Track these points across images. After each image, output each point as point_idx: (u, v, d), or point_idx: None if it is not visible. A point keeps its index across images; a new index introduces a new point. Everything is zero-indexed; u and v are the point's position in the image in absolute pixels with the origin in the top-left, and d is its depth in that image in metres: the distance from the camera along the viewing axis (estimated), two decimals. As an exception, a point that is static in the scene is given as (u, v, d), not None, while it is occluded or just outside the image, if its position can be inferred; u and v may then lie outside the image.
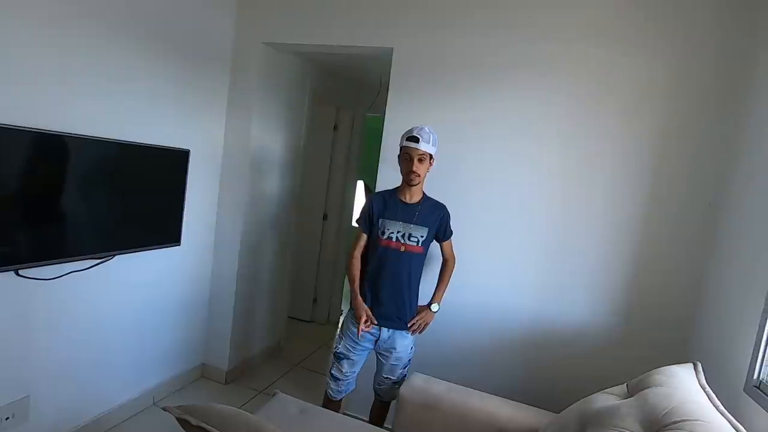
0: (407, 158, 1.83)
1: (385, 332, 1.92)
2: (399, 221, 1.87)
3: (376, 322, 1.90)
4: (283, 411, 1.70)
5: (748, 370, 1.42)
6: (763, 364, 1.38)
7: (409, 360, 2.00)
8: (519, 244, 2.14)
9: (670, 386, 1.26)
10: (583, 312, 2.07)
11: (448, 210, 1.96)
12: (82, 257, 1.86)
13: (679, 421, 1.08)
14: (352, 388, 2.03)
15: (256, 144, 2.67)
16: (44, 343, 1.84)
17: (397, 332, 1.93)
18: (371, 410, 2.11)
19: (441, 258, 2.03)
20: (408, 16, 2.24)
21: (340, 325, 2.04)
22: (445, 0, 2.19)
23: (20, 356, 1.77)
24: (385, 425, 2.06)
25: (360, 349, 1.95)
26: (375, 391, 2.07)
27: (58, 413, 1.95)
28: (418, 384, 1.82)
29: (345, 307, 3.66)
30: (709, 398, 1.24)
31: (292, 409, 1.72)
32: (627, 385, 1.42)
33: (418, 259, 1.92)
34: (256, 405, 2.48)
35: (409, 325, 1.93)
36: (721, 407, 1.19)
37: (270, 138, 2.82)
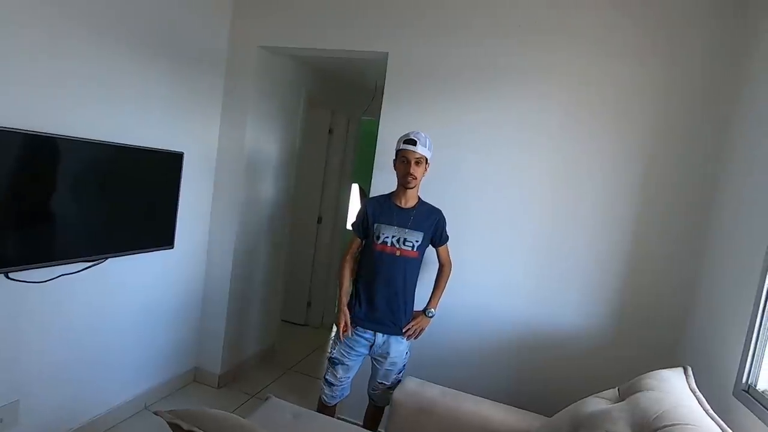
0: (404, 161, 1.84)
1: (380, 337, 1.92)
2: (394, 226, 1.88)
3: (350, 334, 1.91)
4: (276, 415, 1.69)
5: (738, 374, 1.44)
6: (752, 368, 1.40)
7: (404, 365, 2.00)
8: (511, 247, 2.16)
9: (660, 390, 1.27)
10: (575, 314, 2.08)
11: (444, 215, 1.97)
12: (74, 260, 1.84)
13: (669, 425, 1.09)
14: (346, 394, 2.03)
15: (250, 146, 2.67)
16: (34, 347, 1.82)
17: (392, 337, 1.93)
18: (365, 415, 2.10)
19: (437, 263, 2.04)
20: (403, 21, 2.26)
21: (335, 329, 2.03)
22: (441, 7, 2.21)
23: (10, 359, 1.75)
24: (378, 429, 2.05)
25: (355, 355, 1.95)
26: (369, 396, 2.07)
27: (48, 417, 1.93)
28: (412, 388, 1.82)
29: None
30: (699, 402, 1.25)
31: (285, 413, 1.72)
32: (618, 389, 1.43)
33: (414, 264, 1.92)
34: (248, 409, 2.46)
35: (404, 331, 1.93)
36: (711, 411, 1.21)
37: (265, 141, 2.81)
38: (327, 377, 1.99)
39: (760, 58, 1.69)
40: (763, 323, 1.40)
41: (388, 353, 1.93)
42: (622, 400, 1.33)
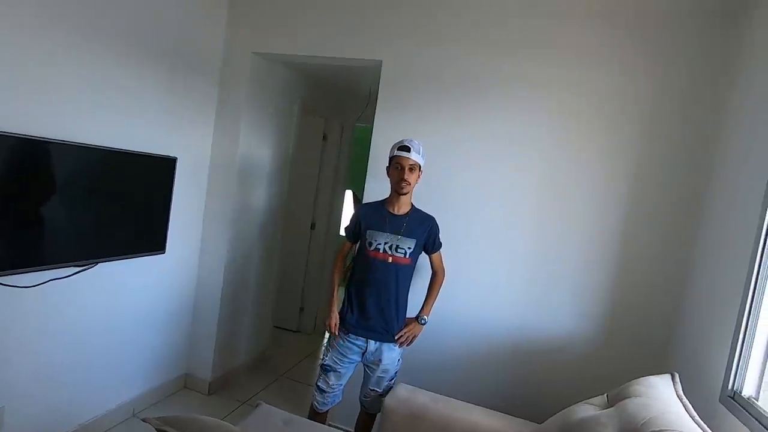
0: (398, 167, 1.86)
1: (372, 344, 1.92)
2: (386, 232, 1.89)
3: (336, 333, 1.93)
4: (267, 422, 1.69)
5: (723, 380, 1.46)
6: (738, 375, 1.42)
7: (396, 372, 2.00)
8: (501, 254, 2.18)
9: (648, 397, 1.29)
10: (565, 321, 2.10)
11: (437, 222, 1.98)
12: (63, 264, 1.83)
13: (657, 431, 1.10)
14: (338, 401, 2.02)
15: (244, 152, 2.67)
16: (22, 352, 1.80)
17: (384, 344, 1.93)
18: (357, 422, 2.10)
19: (431, 270, 2.04)
20: (398, 30, 2.29)
21: (327, 336, 2.03)
22: (435, 17, 2.24)
23: (-4, 366, 1.73)
24: (370, 436, 2.05)
25: (347, 362, 1.95)
26: (361, 403, 2.06)
27: (34, 424, 1.90)
28: (403, 394, 1.82)
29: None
30: (686, 409, 1.27)
31: (275, 420, 1.71)
32: (607, 395, 1.44)
33: (406, 271, 1.93)
34: (239, 416, 2.45)
35: (396, 338, 1.93)
36: (697, 418, 1.22)
37: (258, 147, 2.82)
38: (319, 384, 1.98)
39: (749, 63, 1.73)
40: (747, 330, 1.43)
41: (380, 360, 1.93)
42: (611, 407, 1.35)
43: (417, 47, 2.26)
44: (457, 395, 1.88)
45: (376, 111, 2.33)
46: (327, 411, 2.02)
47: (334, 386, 1.96)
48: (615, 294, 2.05)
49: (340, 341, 1.93)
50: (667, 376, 1.42)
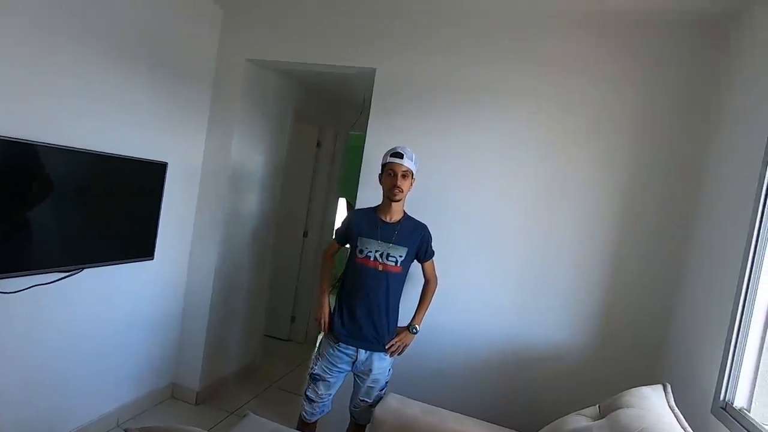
0: (391, 174, 1.85)
1: (362, 353, 1.89)
2: (377, 240, 1.87)
3: (325, 330, 1.93)
4: (254, 433, 1.65)
5: (715, 391, 1.45)
6: (729, 386, 1.41)
7: (386, 382, 1.97)
8: (494, 265, 2.17)
9: (640, 407, 1.28)
10: (557, 331, 2.09)
11: (429, 230, 1.97)
12: (48, 270, 1.79)
13: (648, 443, 1.09)
14: (327, 411, 1.99)
15: (236, 159, 2.65)
16: (2, 360, 1.75)
17: (375, 354, 1.90)
18: (346, 433, 2.06)
19: (423, 278, 2.03)
20: (392, 38, 2.30)
21: (317, 345, 2.00)
22: (429, 26, 2.25)
23: (-25, 374, 1.68)
24: (359, 448, 2.01)
25: (337, 371, 1.92)
26: (351, 414, 2.03)
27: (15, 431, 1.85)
28: (393, 405, 1.80)
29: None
30: (677, 420, 1.26)
31: (263, 431, 1.67)
32: (599, 406, 1.43)
33: (397, 279, 1.91)
34: (226, 427, 2.40)
35: (387, 347, 1.90)
36: (689, 429, 1.21)
37: (251, 154, 2.81)
38: (308, 393, 1.95)
39: (739, 68, 1.76)
40: (739, 341, 1.42)
41: (370, 370, 1.90)
42: (603, 417, 1.33)
43: (411, 56, 2.27)
44: (449, 406, 1.86)
45: (369, 118, 2.33)
46: (316, 421, 1.98)
47: (323, 396, 1.93)
48: (606, 305, 2.04)
49: (330, 350, 1.90)
50: (659, 387, 1.41)
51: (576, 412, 1.45)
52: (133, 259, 2.17)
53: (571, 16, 2.05)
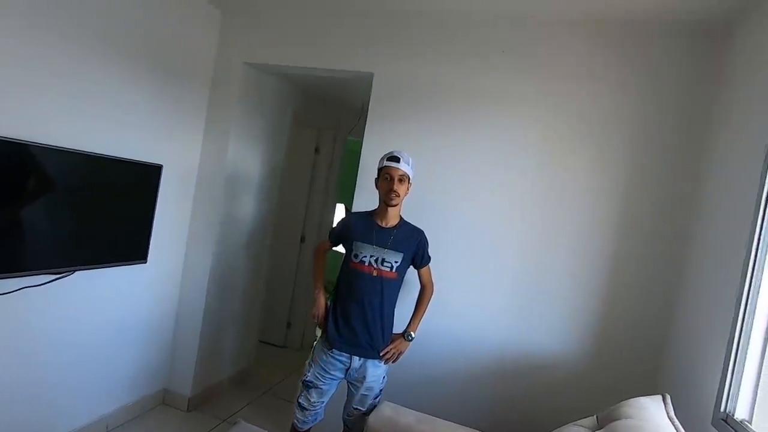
0: (387, 178, 1.83)
1: (356, 361, 1.86)
2: (372, 245, 1.85)
3: (324, 327, 1.90)
4: (244, 441, 1.61)
5: (716, 403, 1.42)
6: (730, 397, 1.38)
7: (381, 390, 1.93)
8: (490, 272, 2.14)
9: (639, 418, 1.25)
10: (554, 340, 2.06)
11: (426, 236, 1.95)
12: (39, 271, 1.76)
13: (646, 455, 1.06)
14: (320, 419, 1.95)
15: (233, 163, 2.64)
16: (-11, 364, 1.73)
17: (369, 361, 1.86)
18: (339, 441, 2.02)
19: (419, 284, 2.00)
20: (390, 43, 2.30)
21: (311, 351, 1.97)
22: (426, 31, 2.25)
23: (-40, 378, 1.65)
24: (352, 458, 1.97)
25: (330, 378, 1.88)
26: (344, 422, 1.99)
27: (0, 440, 1.81)
28: (387, 414, 1.76)
29: (318, 333, 3.56)
30: (677, 431, 1.22)
31: (253, 439, 1.64)
32: (597, 417, 1.39)
33: (392, 285, 1.88)
34: (218, 435, 2.36)
35: (381, 354, 1.87)
36: (689, 441, 1.18)
37: (248, 158, 2.79)
38: (300, 400, 1.91)
39: (738, 74, 1.75)
40: (739, 351, 1.39)
41: (364, 377, 1.86)
42: (601, 428, 1.30)
43: (408, 61, 2.26)
44: (444, 415, 1.82)
45: (367, 123, 2.32)
46: (308, 429, 1.94)
47: (316, 403, 1.89)
48: (604, 312, 2.01)
49: (323, 356, 1.87)
50: (659, 398, 1.38)
51: (574, 423, 1.41)
52: (125, 262, 2.14)
53: (570, 24, 2.05)
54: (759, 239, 1.39)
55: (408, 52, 2.27)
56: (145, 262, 2.22)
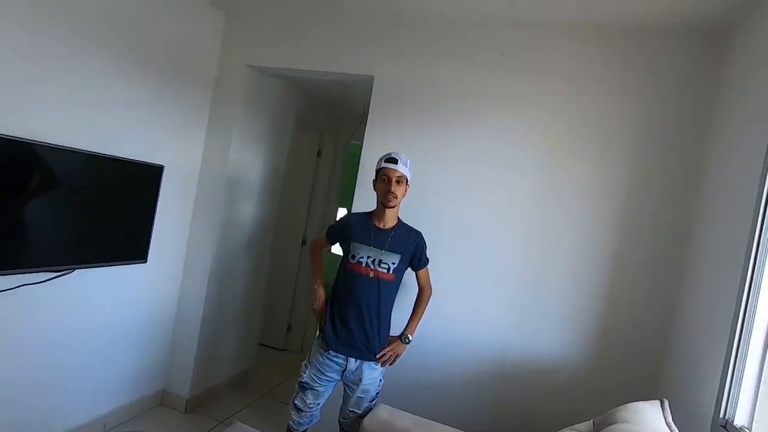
0: (385, 179, 1.83)
1: (352, 362, 1.85)
2: (370, 246, 1.85)
3: (323, 322, 1.90)
4: (238, 442, 1.61)
5: (715, 409, 1.39)
6: (729, 403, 1.36)
7: (377, 393, 1.92)
8: (489, 275, 2.13)
9: (636, 423, 1.23)
10: (553, 344, 2.04)
11: (425, 238, 1.94)
12: (38, 269, 1.78)
13: (641, 460, 1.04)
14: (315, 421, 1.94)
15: (234, 165, 2.65)
16: (-13, 361, 1.73)
17: (365, 363, 1.85)
18: (335, 444, 2.01)
19: (417, 286, 1.99)
20: (390, 46, 2.31)
21: (308, 353, 1.97)
22: (427, 34, 2.26)
23: (-42, 374, 1.65)
24: (348, 461, 1.95)
25: (325, 380, 1.87)
26: (340, 425, 1.97)
27: (-4, 438, 1.81)
28: (383, 417, 1.75)
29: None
30: (674, 437, 1.20)
31: (248, 439, 1.63)
32: (593, 422, 1.38)
33: (390, 287, 1.87)
34: (214, 436, 2.35)
35: (378, 356, 1.86)
36: (686, 446, 1.16)
37: (250, 160, 2.80)
38: (296, 402, 1.90)
39: (738, 75, 1.74)
40: (739, 356, 1.37)
41: (360, 379, 1.85)
42: (597, 433, 1.28)
43: (408, 64, 2.27)
44: (440, 418, 1.81)
45: (367, 125, 2.33)
46: (304, 431, 1.93)
47: (312, 405, 1.88)
48: (604, 315, 1.99)
49: (320, 358, 1.86)
50: (656, 402, 1.35)
51: (570, 427, 1.40)
52: (125, 262, 2.15)
53: (569, 26, 2.05)
54: (758, 243, 1.38)
55: (408, 55, 2.28)
56: (145, 262, 2.23)
